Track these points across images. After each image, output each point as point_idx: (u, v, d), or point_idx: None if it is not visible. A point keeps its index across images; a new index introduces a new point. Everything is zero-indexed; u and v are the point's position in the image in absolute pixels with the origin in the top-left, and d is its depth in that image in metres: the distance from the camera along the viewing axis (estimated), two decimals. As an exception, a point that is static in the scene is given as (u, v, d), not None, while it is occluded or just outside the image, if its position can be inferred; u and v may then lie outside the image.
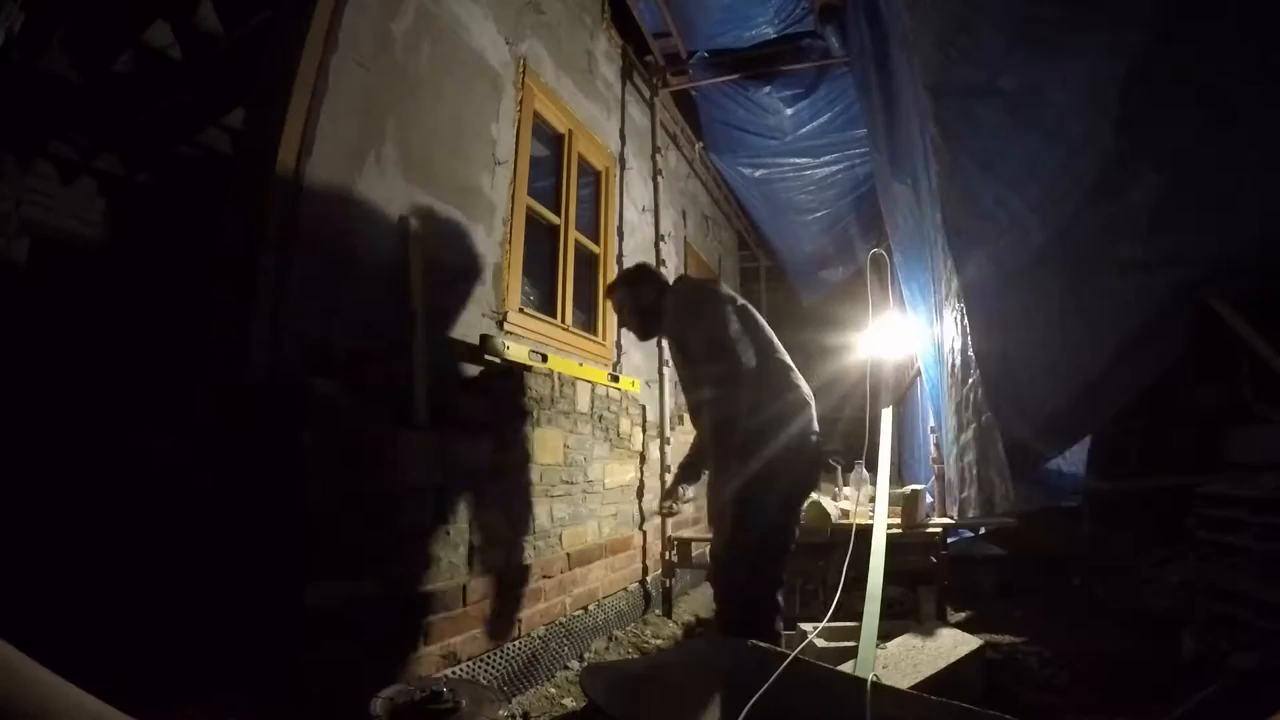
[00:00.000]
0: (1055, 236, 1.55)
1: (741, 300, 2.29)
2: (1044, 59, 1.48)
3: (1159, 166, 1.33)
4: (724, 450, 2.05)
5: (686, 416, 3.07)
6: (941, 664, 2.05)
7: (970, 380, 2.14)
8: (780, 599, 2.07)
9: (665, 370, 4.07)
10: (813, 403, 2.18)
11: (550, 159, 3.41)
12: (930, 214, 3.05)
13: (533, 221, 3.04)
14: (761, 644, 1.72)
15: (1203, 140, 1.29)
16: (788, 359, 2.24)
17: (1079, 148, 1.44)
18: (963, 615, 3.21)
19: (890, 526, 2.73)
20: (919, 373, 3.76)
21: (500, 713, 1.82)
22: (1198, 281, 1.37)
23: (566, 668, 2.50)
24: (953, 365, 2.40)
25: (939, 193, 1.85)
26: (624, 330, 3.55)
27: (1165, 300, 1.42)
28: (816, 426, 2.18)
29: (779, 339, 2.28)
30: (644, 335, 2.53)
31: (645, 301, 2.41)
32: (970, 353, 2.03)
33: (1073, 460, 2.60)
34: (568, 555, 2.64)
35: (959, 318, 2.21)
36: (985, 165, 1.66)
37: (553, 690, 2.31)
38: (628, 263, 4.00)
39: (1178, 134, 1.30)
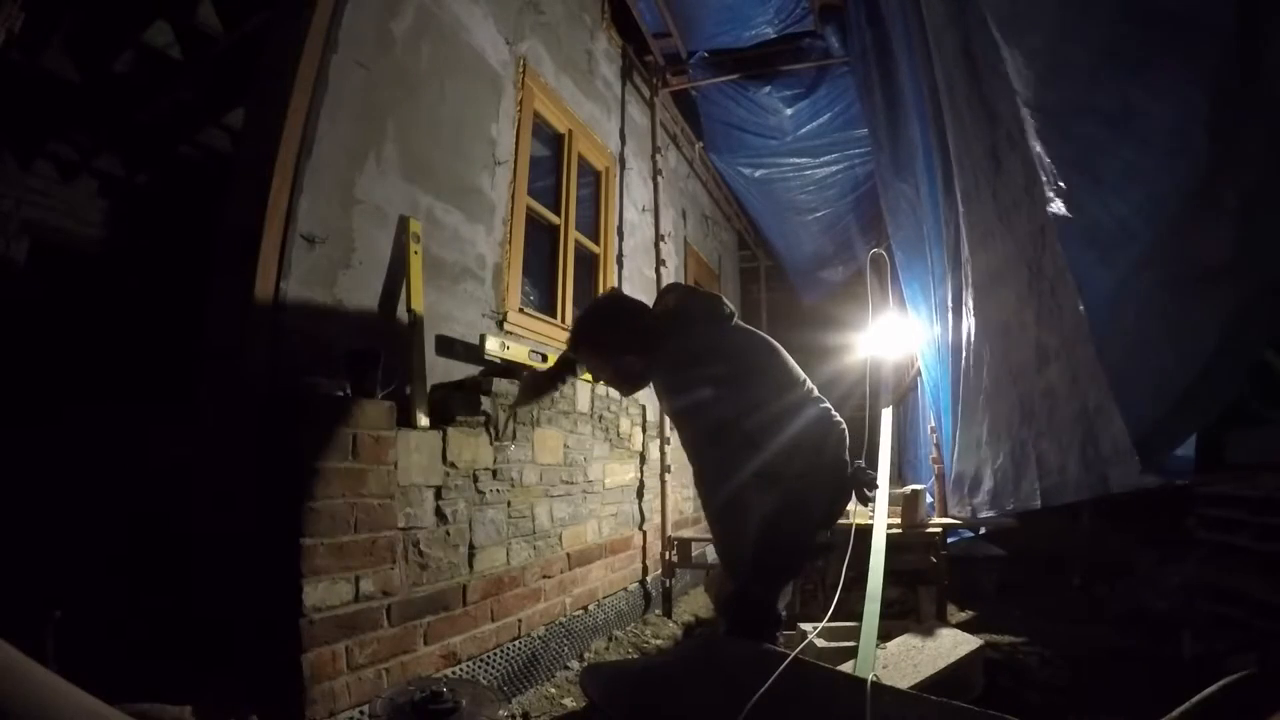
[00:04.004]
0: (1158, 239, 1.60)
1: (734, 343, 1.93)
2: (1133, 75, 1.54)
3: (1242, 169, 1.38)
4: (734, 462, 1.81)
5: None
6: (941, 664, 2.05)
7: (1049, 371, 2.19)
8: (783, 612, 2.02)
9: (665, 370, 4.06)
10: (834, 418, 1.89)
11: (550, 159, 3.41)
12: (932, 213, 3.06)
13: (533, 221, 3.04)
14: (761, 644, 1.72)
15: (1273, 147, 1.33)
16: (800, 388, 1.90)
17: (1174, 153, 1.50)
18: (963, 615, 3.21)
19: (890, 526, 2.73)
20: (919, 373, 3.76)
21: (500, 713, 1.82)
22: (1271, 287, 1.41)
23: (566, 668, 2.50)
24: (1021, 359, 2.43)
25: (1042, 201, 1.92)
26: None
27: (1244, 304, 1.46)
28: (842, 444, 1.90)
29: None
30: (626, 394, 2.14)
31: (619, 364, 1.93)
32: (1055, 344, 2.08)
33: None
34: (568, 555, 2.64)
35: (1037, 311, 2.24)
36: (1090, 175, 1.73)
37: (553, 690, 2.31)
38: (628, 263, 4.01)
39: (1264, 137, 1.34)
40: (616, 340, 1.91)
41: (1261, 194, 1.36)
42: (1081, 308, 1.92)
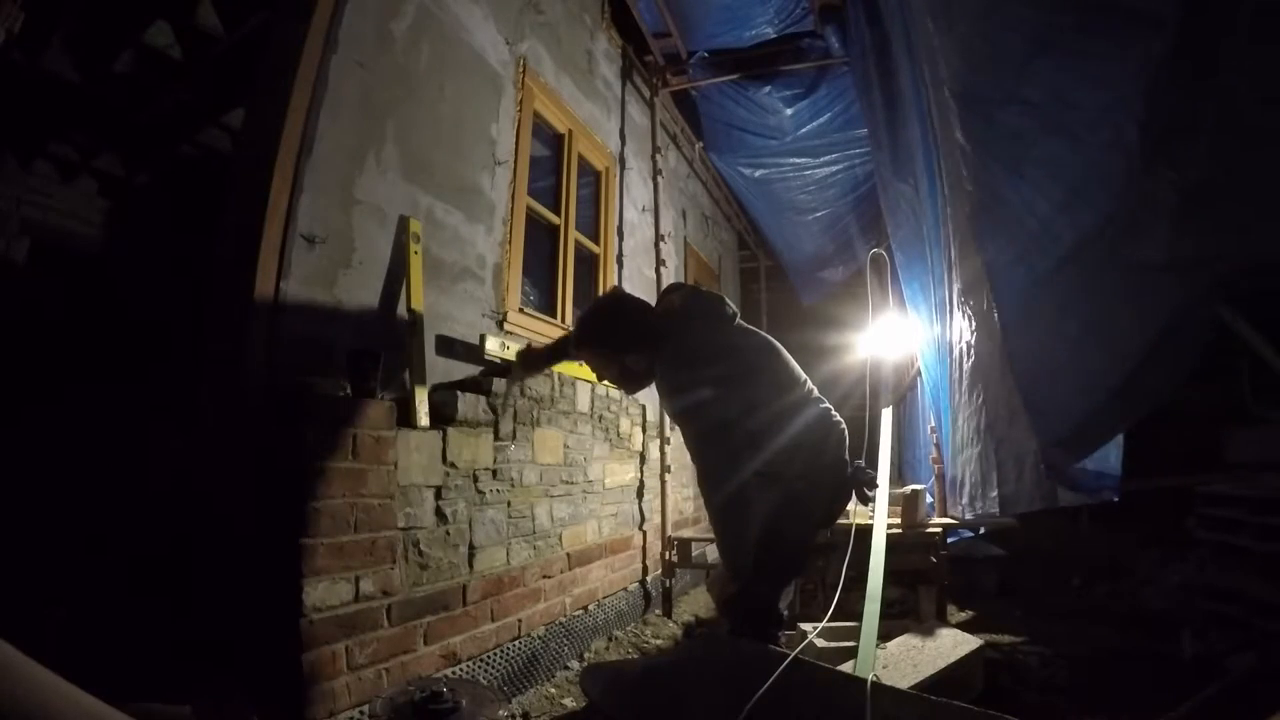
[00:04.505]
0: (1081, 238, 1.55)
1: (735, 342, 1.93)
2: (1066, 65, 1.46)
3: (1179, 167, 1.32)
4: (736, 464, 1.80)
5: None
6: (941, 664, 2.05)
7: (994, 379, 2.15)
8: (785, 612, 2.01)
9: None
10: (834, 418, 1.90)
11: (550, 159, 3.41)
12: (932, 213, 3.05)
13: (533, 221, 3.04)
14: (761, 644, 1.72)
15: (1222, 141, 1.28)
16: (801, 388, 1.90)
17: (1104, 149, 1.43)
18: (963, 615, 3.21)
19: (890, 526, 2.73)
20: (919, 373, 3.76)
21: (500, 713, 1.82)
22: (1217, 284, 1.36)
23: (566, 668, 2.50)
24: (974, 364, 2.39)
25: (968, 197, 1.85)
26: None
27: (1185, 304, 1.41)
28: (843, 444, 1.91)
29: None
30: (630, 391, 2.09)
31: (622, 363, 1.93)
32: (998, 353, 2.04)
33: (1098, 458, 2.52)
34: (568, 555, 2.64)
35: (980, 317, 2.20)
36: (1013, 169, 1.66)
37: (553, 690, 2.31)
38: (628, 263, 4.00)
39: (1198, 134, 1.29)
40: (619, 339, 1.91)
41: (1205, 192, 1.32)
42: (996, 310, 1.89)
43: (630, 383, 1.98)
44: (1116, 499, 2.11)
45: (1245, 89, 1.21)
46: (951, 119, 1.84)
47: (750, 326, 2.04)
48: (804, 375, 1.95)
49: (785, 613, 1.91)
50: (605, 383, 2.51)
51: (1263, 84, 1.19)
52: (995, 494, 2.34)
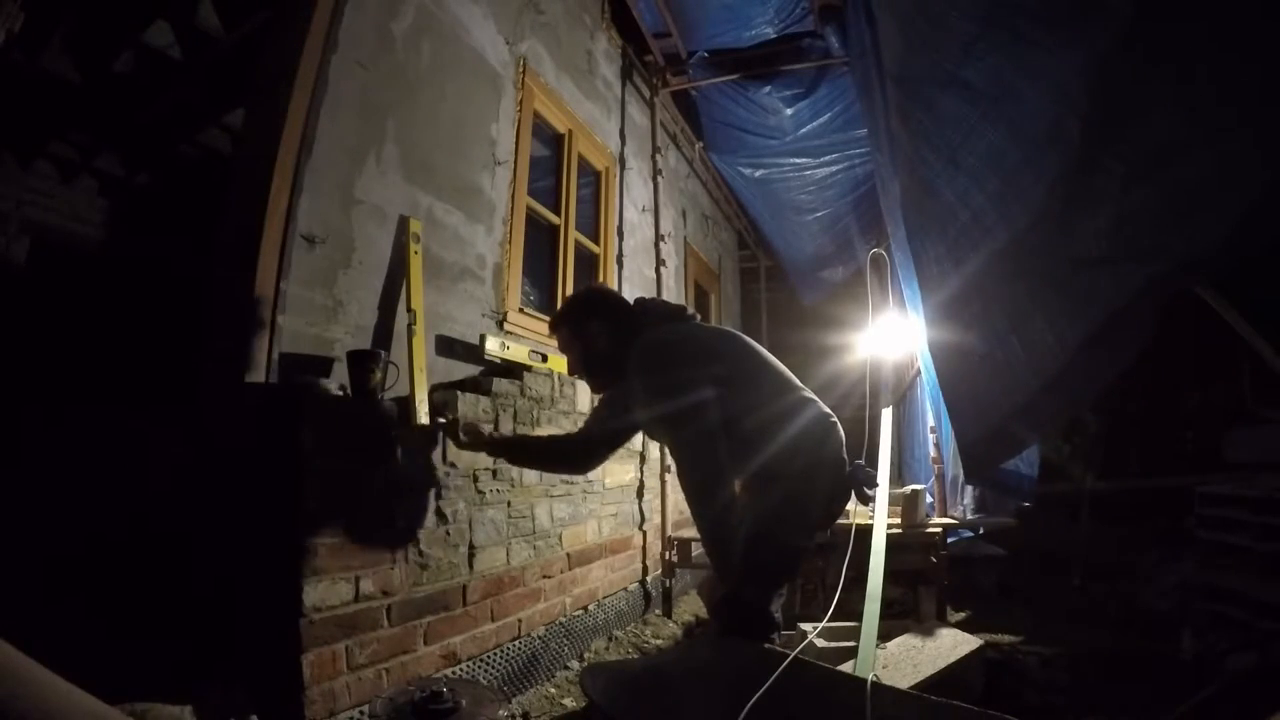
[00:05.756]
0: (1017, 233, 1.50)
1: (725, 341, 1.90)
2: (1011, 50, 1.40)
3: (1124, 161, 1.29)
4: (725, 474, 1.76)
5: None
6: (941, 664, 2.05)
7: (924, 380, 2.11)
8: (777, 615, 1.99)
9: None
10: (832, 418, 1.86)
11: (550, 159, 3.41)
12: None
13: (533, 221, 3.04)
14: (761, 645, 1.72)
15: (1169, 135, 1.24)
16: (792, 388, 1.87)
17: (1044, 143, 1.39)
18: (963, 615, 3.21)
19: (890, 526, 2.73)
20: (919, 373, 3.76)
21: (500, 713, 1.82)
22: (1161, 278, 1.33)
23: (566, 668, 2.50)
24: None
25: (902, 189, 1.80)
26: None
27: (1124, 299, 1.37)
28: (841, 443, 1.86)
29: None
30: (597, 388, 2.01)
31: (597, 347, 1.88)
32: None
33: (1027, 461, 2.49)
34: (568, 555, 2.64)
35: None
36: (948, 158, 1.60)
37: (553, 690, 2.31)
38: (628, 263, 4.00)
39: (1144, 130, 1.26)
40: (591, 314, 1.91)
41: (1150, 187, 1.28)
42: (919, 307, 1.83)
43: (596, 374, 1.95)
44: (1031, 504, 2.07)
45: (1200, 80, 1.18)
46: (891, 107, 1.79)
47: (723, 327, 2.00)
48: (793, 375, 1.93)
49: (778, 616, 1.89)
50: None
51: (1216, 76, 1.17)
52: (969, 497, 2.32)
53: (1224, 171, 1.20)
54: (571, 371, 2.07)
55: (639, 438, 3.47)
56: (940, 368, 1.77)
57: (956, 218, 1.62)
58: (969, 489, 2.51)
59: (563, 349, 2.01)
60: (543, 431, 2.50)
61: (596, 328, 1.89)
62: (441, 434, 1.98)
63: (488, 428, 2.05)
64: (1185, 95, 1.20)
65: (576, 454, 2.07)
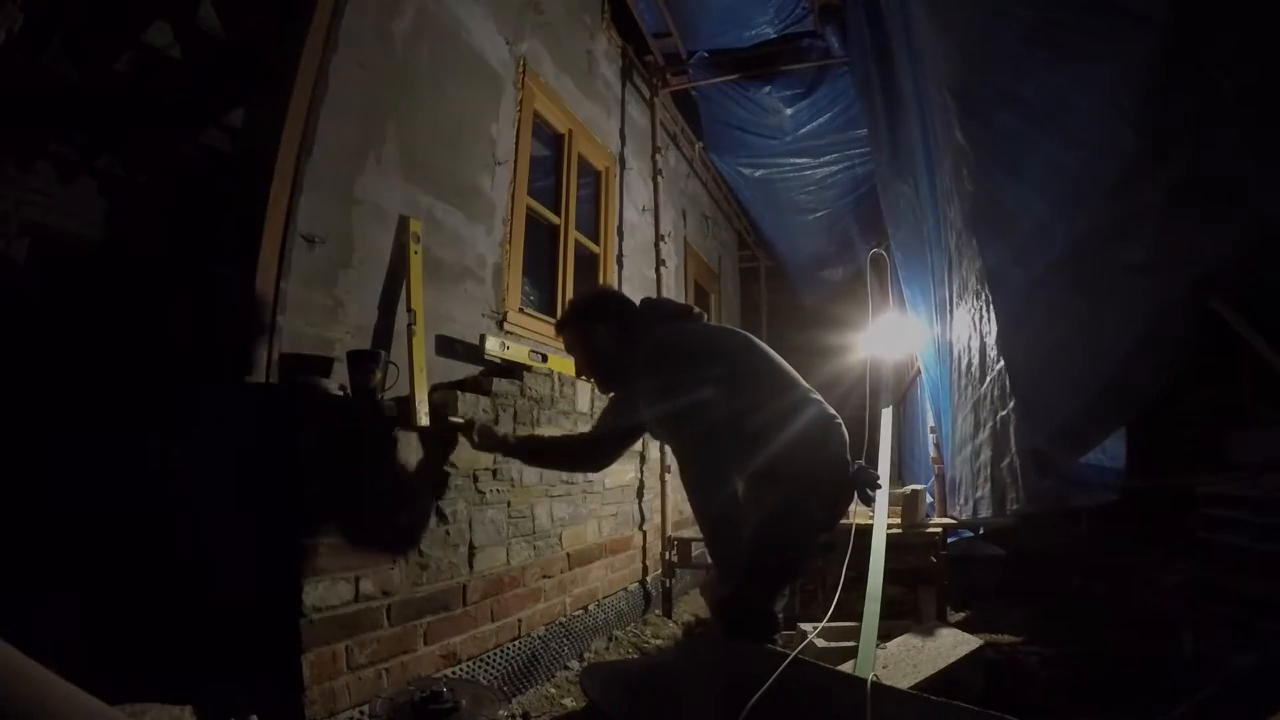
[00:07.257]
0: (1076, 239, 1.55)
1: (729, 340, 1.91)
2: (1063, 65, 1.46)
3: (1169, 168, 1.32)
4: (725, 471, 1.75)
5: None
6: (941, 664, 2.05)
7: (989, 379, 2.14)
8: (780, 615, 1.99)
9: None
10: (834, 417, 1.85)
11: (550, 159, 3.41)
12: (932, 213, 3.05)
13: (533, 221, 3.05)
14: (761, 645, 1.71)
15: (1212, 142, 1.27)
16: (794, 387, 1.86)
17: (1099, 151, 1.43)
18: (963, 615, 3.21)
19: (890, 526, 2.73)
20: (919, 373, 3.76)
21: (500, 713, 1.82)
22: (1202, 284, 1.36)
23: (566, 668, 2.50)
24: (968, 364, 2.39)
25: (968, 197, 1.84)
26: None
27: (1169, 304, 1.41)
28: (843, 443, 1.85)
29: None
30: (605, 388, 2.03)
31: (604, 349, 1.90)
32: (992, 352, 2.04)
33: (1111, 454, 2.45)
34: (568, 555, 2.64)
35: (977, 317, 2.20)
36: (1009, 170, 1.66)
37: (553, 690, 2.31)
38: (628, 263, 4.00)
39: (1190, 136, 1.29)
40: (599, 316, 1.92)
41: (1185, 191, 1.31)
42: (993, 311, 1.89)
43: (603, 375, 1.95)
44: (1116, 497, 2.10)
45: (1232, 87, 1.20)
46: (951, 119, 1.85)
47: (727, 326, 2.03)
48: (796, 373, 1.92)
49: (781, 616, 1.89)
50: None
51: (1251, 81, 1.19)
52: (974, 497, 2.34)
53: (1263, 178, 1.23)
54: (579, 372, 2.08)
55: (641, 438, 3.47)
56: (1010, 370, 1.82)
57: (1020, 227, 1.68)
58: (974, 489, 2.51)
59: (569, 350, 2.02)
60: (543, 431, 2.50)
61: (603, 329, 1.90)
62: (457, 435, 1.99)
63: (501, 429, 2.08)
64: (1225, 105, 1.23)
65: (588, 454, 2.09)
